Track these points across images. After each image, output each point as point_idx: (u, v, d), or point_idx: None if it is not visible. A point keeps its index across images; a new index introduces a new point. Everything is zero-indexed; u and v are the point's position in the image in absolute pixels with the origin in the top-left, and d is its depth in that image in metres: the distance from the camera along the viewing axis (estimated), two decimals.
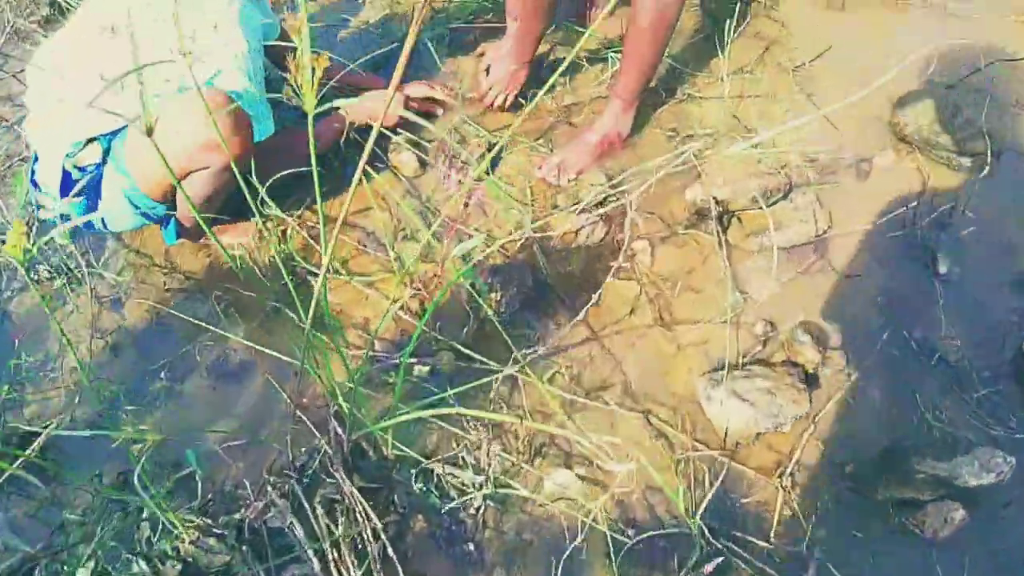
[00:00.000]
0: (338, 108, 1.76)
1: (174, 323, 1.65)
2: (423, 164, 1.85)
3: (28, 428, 1.49)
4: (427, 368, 1.49)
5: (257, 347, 1.52)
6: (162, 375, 1.58)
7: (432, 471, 1.34)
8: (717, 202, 1.59)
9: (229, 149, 1.45)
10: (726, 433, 1.30)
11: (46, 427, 1.49)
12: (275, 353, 1.48)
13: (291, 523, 1.25)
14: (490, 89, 1.87)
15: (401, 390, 1.48)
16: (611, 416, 1.39)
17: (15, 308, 1.75)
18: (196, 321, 1.56)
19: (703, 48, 1.98)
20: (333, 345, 1.54)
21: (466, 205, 1.75)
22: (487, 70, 1.89)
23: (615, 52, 1.98)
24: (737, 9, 2.04)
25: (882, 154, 1.72)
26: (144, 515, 1.28)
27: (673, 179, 1.71)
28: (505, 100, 1.87)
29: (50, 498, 1.42)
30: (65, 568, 1.29)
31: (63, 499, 1.41)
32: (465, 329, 1.52)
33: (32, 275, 1.80)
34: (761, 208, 1.57)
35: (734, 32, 1.88)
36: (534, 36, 1.77)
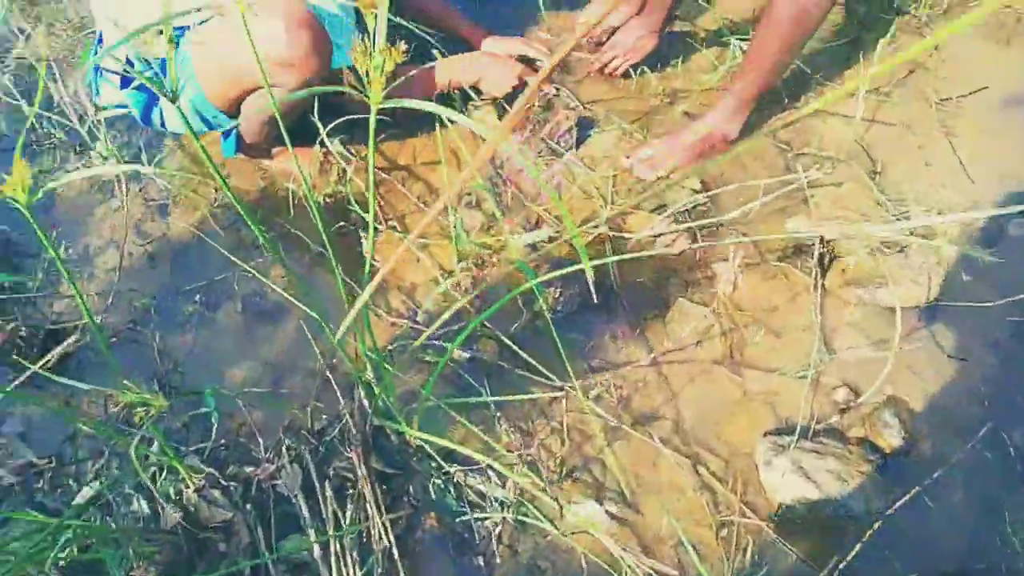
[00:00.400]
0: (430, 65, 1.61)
1: (217, 242, 1.56)
2: None
3: (52, 325, 1.43)
4: (467, 355, 1.38)
5: (289, 297, 1.42)
6: (196, 298, 1.50)
7: (453, 471, 1.25)
8: (822, 241, 1.41)
9: (301, 70, 1.33)
10: (779, 508, 1.17)
11: (70, 332, 1.43)
12: (306, 308, 1.38)
13: (297, 496, 1.17)
14: (610, 55, 1.70)
15: (442, 378, 1.38)
16: (655, 454, 1.27)
17: (63, 191, 1.68)
18: (233, 258, 1.46)
19: (838, 55, 1.77)
20: (372, 309, 1.45)
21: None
22: (607, 34, 1.73)
23: (741, 39, 1.78)
24: (885, 19, 1.81)
25: (1019, 221, 1.51)
26: (151, 450, 1.21)
27: (774, 200, 1.54)
28: (621, 66, 1.71)
29: (64, 404, 1.36)
30: (69, 482, 1.24)
31: (78, 406, 1.36)
32: (516, 323, 1.40)
33: (84, 161, 1.72)
34: (871, 256, 1.40)
35: (878, 46, 1.66)
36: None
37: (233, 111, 1.47)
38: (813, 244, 1.42)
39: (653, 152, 1.58)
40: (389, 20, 1.55)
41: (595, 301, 1.43)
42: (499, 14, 1.94)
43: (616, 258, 1.02)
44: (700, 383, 1.35)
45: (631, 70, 1.74)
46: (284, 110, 1.42)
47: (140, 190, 1.68)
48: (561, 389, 1.33)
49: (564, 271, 0.96)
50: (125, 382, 0.88)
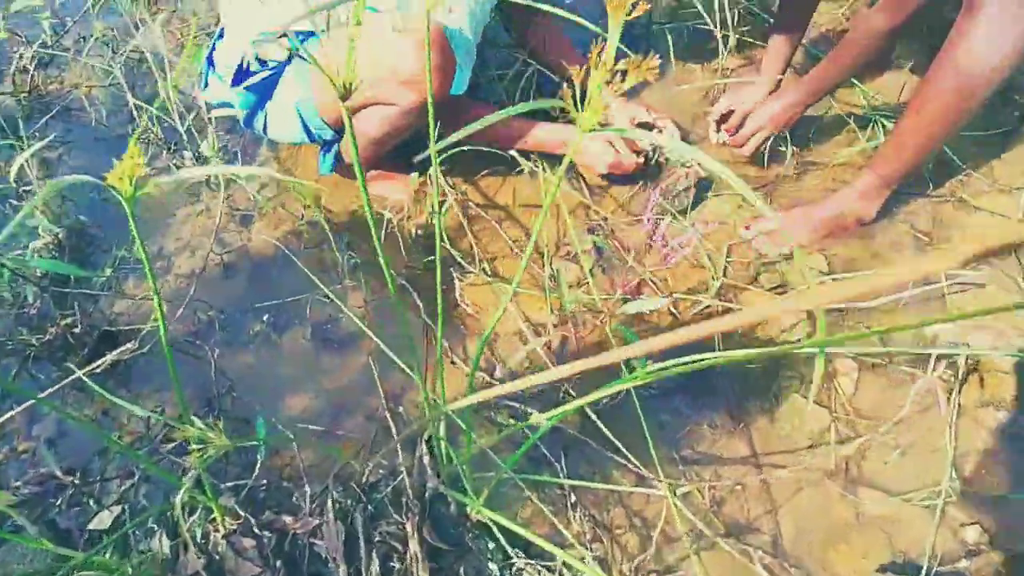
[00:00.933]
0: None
1: (298, 261, 1.48)
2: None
3: (109, 327, 1.36)
4: (547, 424, 1.24)
5: (364, 328, 1.32)
6: (265, 317, 1.41)
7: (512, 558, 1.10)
8: (967, 355, 1.23)
9: (423, 90, 1.24)
10: None
11: (126, 336, 1.35)
12: (379, 342, 1.28)
13: (336, 559, 1.04)
14: (751, 132, 1.54)
15: (510, 443, 1.24)
16: (748, 572, 1.09)
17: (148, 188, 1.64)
18: (313, 278, 1.37)
19: (991, 145, 1.59)
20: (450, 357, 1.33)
21: (650, 244, 1.47)
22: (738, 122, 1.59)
23: (884, 116, 1.62)
24: None
25: None
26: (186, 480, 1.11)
27: (909, 295, 1.36)
28: (750, 142, 1.55)
29: (102, 414, 1.28)
30: (90, 502, 1.15)
31: (117, 418, 1.28)
32: (604, 396, 1.26)
33: (175, 159, 1.68)
34: (1017, 374, 1.20)
35: None
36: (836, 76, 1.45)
37: (338, 126, 1.40)
38: (957, 355, 1.24)
39: (776, 225, 1.43)
40: (511, 56, 1.44)
41: (696, 379, 1.28)
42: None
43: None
44: (808, 496, 1.17)
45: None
46: (392, 132, 1.34)
47: (227, 197, 1.62)
48: (645, 480, 1.17)
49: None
50: (193, 417, 0.77)
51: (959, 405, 1.24)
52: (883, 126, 1.61)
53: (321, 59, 1.28)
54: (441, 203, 1.52)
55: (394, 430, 1.25)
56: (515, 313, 1.39)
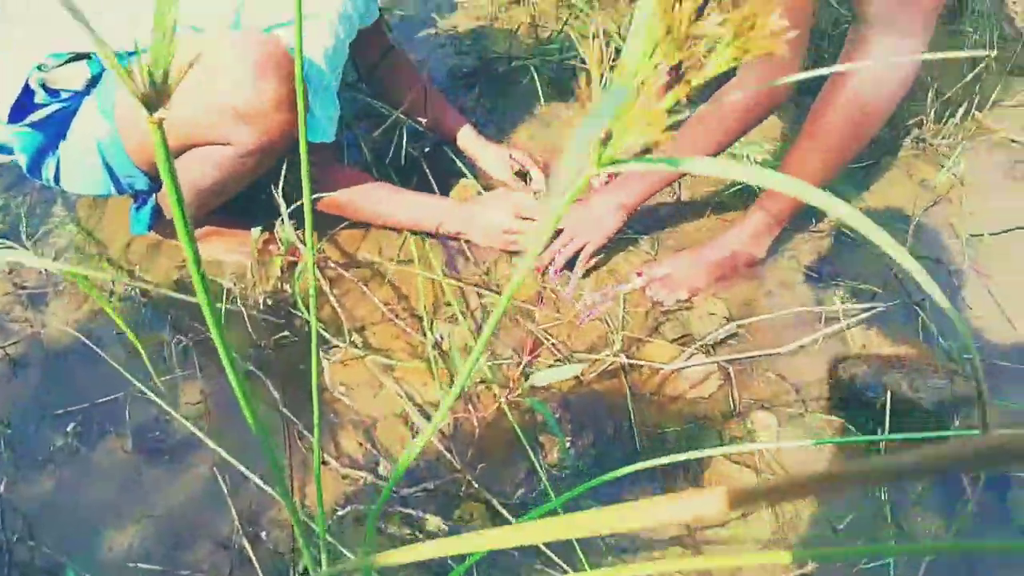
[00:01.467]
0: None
1: (109, 351, 1.17)
2: None
3: None
4: (445, 527, 1.03)
5: (198, 432, 1.04)
6: (70, 427, 1.09)
7: None
8: (888, 391, 1.17)
9: (265, 128, 1.00)
10: None
11: None
12: (224, 453, 1.01)
13: None
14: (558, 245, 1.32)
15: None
16: None
17: None
18: (126, 374, 1.07)
19: (854, 178, 1.60)
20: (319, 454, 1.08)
21: (541, 298, 1.31)
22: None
23: (763, 151, 1.58)
24: (901, 145, 1.67)
25: None
26: None
27: (809, 334, 1.30)
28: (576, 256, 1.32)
29: None
30: None
31: None
32: (515, 484, 1.07)
33: None
34: (938, 405, 1.16)
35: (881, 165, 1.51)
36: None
37: (155, 172, 1.13)
38: (878, 397, 1.17)
39: (670, 271, 1.32)
40: (356, 99, 1.22)
41: (612, 449, 1.12)
42: (495, 106, 1.69)
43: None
44: (750, 570, 1.05)
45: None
46: (223, 182, 1.09)
47: (10, 272, 1.27)
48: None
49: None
50: None
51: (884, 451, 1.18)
52: (755, 162, 1.58)
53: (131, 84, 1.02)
54: (293, 264, 1.28)
55: (255, 562, 0.98)
56: (395, 392, 1.17)
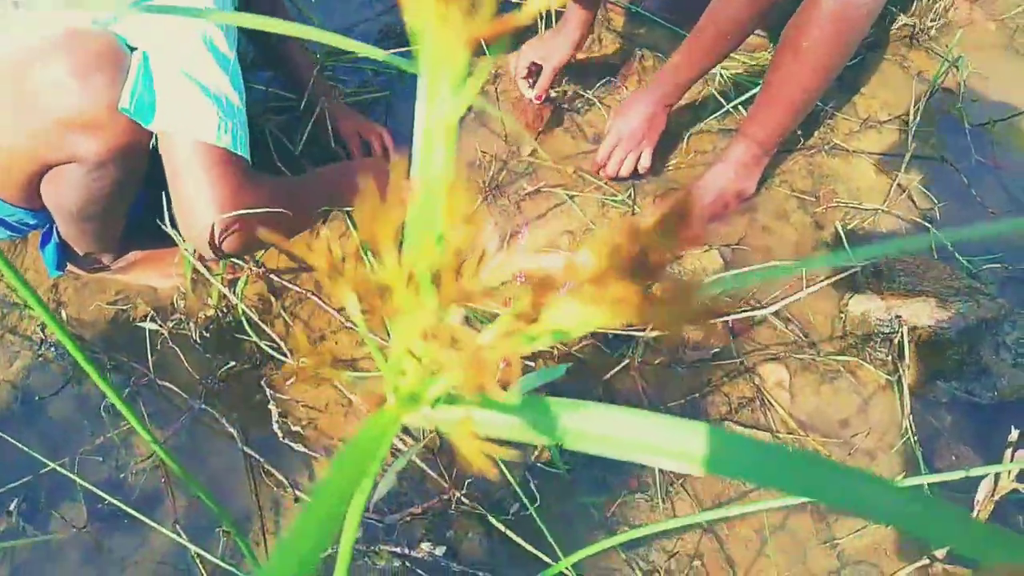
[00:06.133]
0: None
1: (47, 410, 1.06)
2: None
3: None
4: (439, 551, 0.93)
5: (138, 519, 0.94)
6: (12, 505, 0.98)
7: None
8: (907, 326, 1.05)
9: (106, 133, 0.86)
10: None
11: None
12: (174, 516, 0.91)
13: None
14: (610, 151, 1.24)
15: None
16: None
17: None
18: (65, 431, 0.96)
19: (845, 81, 1.44)
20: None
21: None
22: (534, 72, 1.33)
23: (738, 65, 1.42)
24: (887, 35, 1.51)
25: None
26: None
27: (815, 272, 1.18)
28: (638, 160, 1.25)
29: None
30: None
31: None
32: (512, 494, 0.96)
33: None
34: (961, 337, 1.04)
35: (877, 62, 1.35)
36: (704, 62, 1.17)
37: (32, 206, 0.99)
38: (895, 333, 1.06)
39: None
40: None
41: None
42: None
43: None
44: (776, 546, 0.95)
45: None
46: (95, 199, 0.95)
47: None
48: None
49: None
50: None
51: (900, 385, 1.07)
52: (733, 83, 1.41)
53: None
54: (233, 281, 1.15)
55: None
56: (365, 408, 1.05)
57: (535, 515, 0.94)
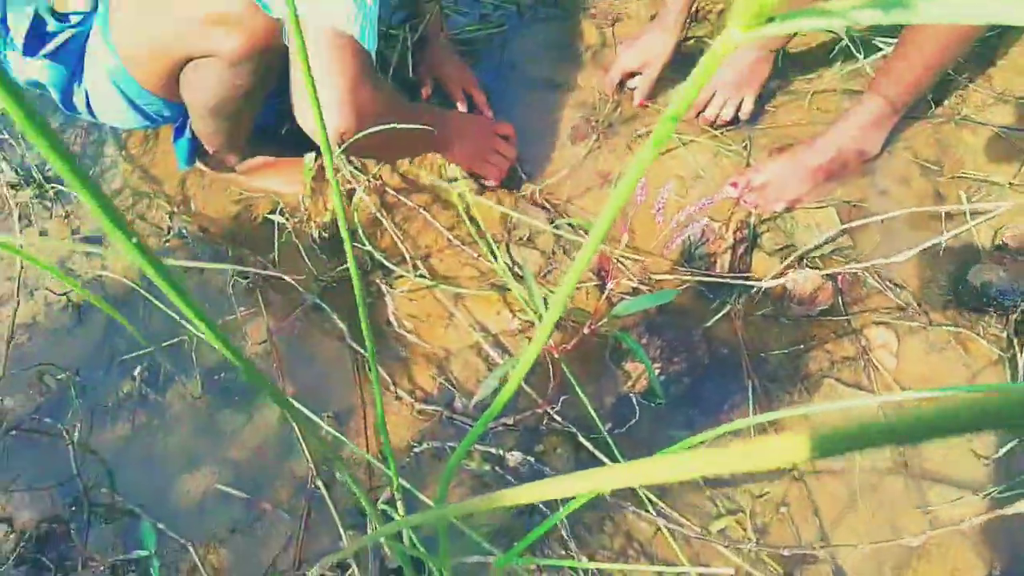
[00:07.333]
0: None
1: (150, 301, 1.12)
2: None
3: None
4: (525, 462, 0.96)
5: (259, 379, 0.99)
6: (136, 372, 1.06)
7: None
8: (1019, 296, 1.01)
9: (244, 30, 0.90)
10: None
11: None
12: (294, 404, 0.96)
13: None
14: (712, 96, 1.24)
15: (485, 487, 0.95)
16: None
17: None
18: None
19: (982, 53, 1.37)
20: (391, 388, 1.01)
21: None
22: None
23: (879, 37, 1.38)
24: None
25: None
26: None
27: (931, 239, 1.14)
28: (737, 111, 1.25)
29: None
30: None
31: None
32: (601, 417, 0.98)
33: None
34: None
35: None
36: None
37: (170, 97, 1.04)
38: (1015, 303, 1.02)
39: (767, 178, 1.17)
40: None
41: (709, 375, 1.02)
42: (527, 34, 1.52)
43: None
44: (867, 507, 0.94)
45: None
46: (228, 97, 0.99)
47: (67, 216, 1.24)
48: (670, 521, 0.90)
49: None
50: None
51: (1021, 366, 1.03)
52: (859, 43, 1.37)
53: (115, 2, 0.92)
54: (350, 193, 1.19)
55: (331, 504, 0.93)
56: (466, 323, 1.08)
57: (618, 441, 0.96)
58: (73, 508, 0.95)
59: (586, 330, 0.93)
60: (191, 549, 0.87)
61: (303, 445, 0.97)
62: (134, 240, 0.27)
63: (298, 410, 0.54)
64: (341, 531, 0.90)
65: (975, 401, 0.18)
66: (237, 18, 0.87)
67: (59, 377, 1.05)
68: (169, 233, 1.20)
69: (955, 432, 0.19)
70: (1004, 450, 0.96)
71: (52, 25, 0.93)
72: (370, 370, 1.04)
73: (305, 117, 0.94)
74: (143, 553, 0.84)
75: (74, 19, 0.95)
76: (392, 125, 0.94)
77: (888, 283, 1.10)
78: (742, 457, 0.24)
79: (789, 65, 1.35)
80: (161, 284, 0.30)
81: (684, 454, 0.26)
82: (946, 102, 1.31)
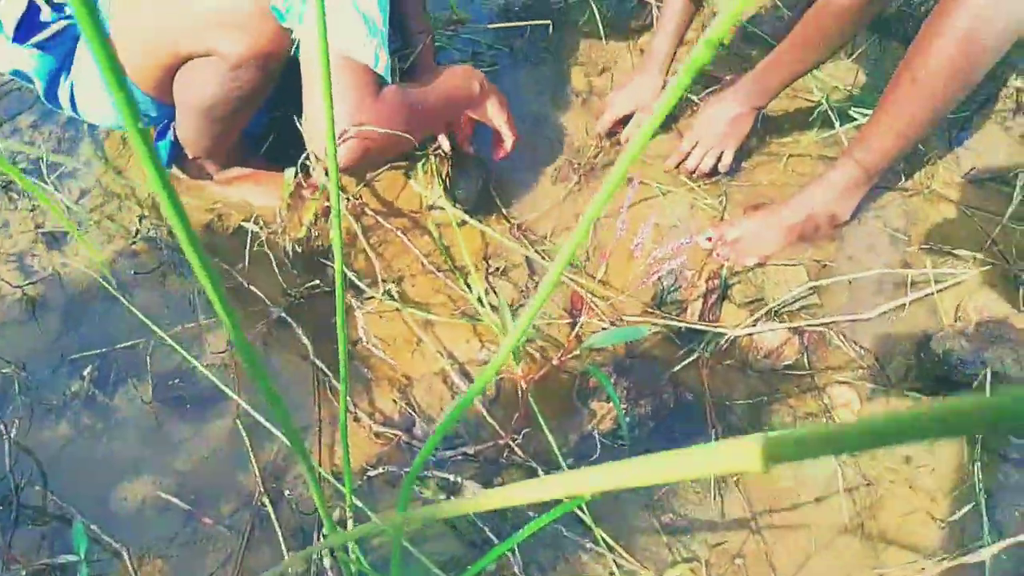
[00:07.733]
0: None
1: (132, 294, 1.09)
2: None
3: None
4: (479, 490, 0.93)
5: (221, 386, 0.96)
6: (86, 372, 1.02)
7: None
8: (991, 371, 1.03)
9: (253, 33, 0.90)
10: None
11: None
12: (246, 406, 0.93)
13: None
14: (693, 147, 1.28)
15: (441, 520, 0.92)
16: None
17: None
18: (143, 318, 1.00)
19: (953, 129, 1.43)
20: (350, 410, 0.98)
21: (587, 255, 1.20)
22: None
23: (838, 104, 1.43)
24: (995, 93, 1.49)
25: None
26: None
27: (894, 304, 1.16)
28: (717, 162, 1.29)
29: None
30: None
31: None
32: (563, 453, 0.96)
33: None
34: None
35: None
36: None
37: (161, 97, 1.03)
38: (979, 374, 1.03)
39: (740, 234, 1.19)
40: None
41: (673, 421, 1.01)
42: (549, 47, 1.56)
43: None
44: (821, 562, 0.93)
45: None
46: (223, 101, 0.98)
47: (32, 209, 1.21)
48: (622, 568, 0.89)
49: None
50: None
51: (978, 437, 1.04)
52: (836, 112, 1.42)
53: None
54: (328, 210, 1.18)
55: (276, 522, 0.90)
56: (434, 349, 1.07)
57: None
58: (0, 507, 0.90)
59: (555, 361, 0.93)
60: (125, 556, 0.83)
61: (253, 460, 0.94)
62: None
63: (289, 418, 0.52)
64: (284, 551, 0.86)
65: (917, 411, 0.18)
66: (246, 20, 0.87)
67: (3, 371, 1.01)
68: (137, 236, 1.18)
69: (901, 440, 0.19)
70: (960, 514, 0.96)
71: (47, 14, 0.93)
72: (340, 382, 1.02)
73: (316, 141, 0.94)
74: (72, 558, 0.80)
75: (69, 10, 0.94)
76: (396, 132, 0.94)
77: (853, 344, 1.12)
78: (695, 462, 0.24)
79: (769, 127, 1.39)
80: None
81: (634, 461, 0.26)
82: (916, 175, 1.36)
